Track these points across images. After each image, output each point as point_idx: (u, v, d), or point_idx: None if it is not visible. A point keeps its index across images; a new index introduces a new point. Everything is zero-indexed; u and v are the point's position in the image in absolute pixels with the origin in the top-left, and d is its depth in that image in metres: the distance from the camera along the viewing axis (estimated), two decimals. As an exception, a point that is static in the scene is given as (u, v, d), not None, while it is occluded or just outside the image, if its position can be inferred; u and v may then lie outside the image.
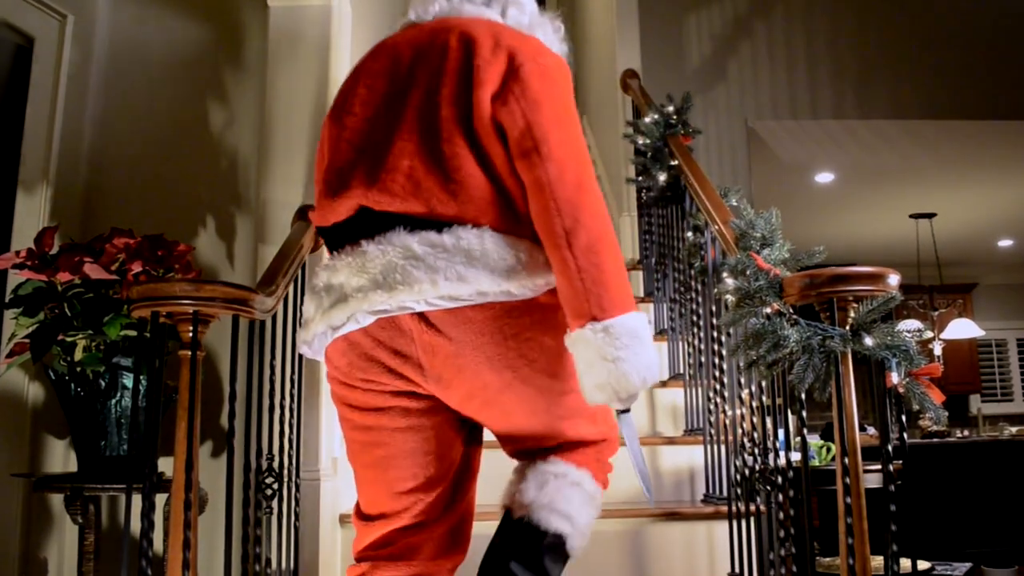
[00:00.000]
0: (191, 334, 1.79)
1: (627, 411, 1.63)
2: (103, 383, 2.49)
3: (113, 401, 2.51)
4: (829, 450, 4.08)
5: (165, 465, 2.55)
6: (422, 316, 1.56)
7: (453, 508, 1.73)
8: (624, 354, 1.52)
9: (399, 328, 1.58)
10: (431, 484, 1.68)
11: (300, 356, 2.42)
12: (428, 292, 1.54)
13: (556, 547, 1.64)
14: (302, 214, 2.54)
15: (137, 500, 1.76)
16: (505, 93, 1.59)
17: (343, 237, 1.65)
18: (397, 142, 1.61)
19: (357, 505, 1.75)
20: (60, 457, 2.90)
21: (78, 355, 2.47)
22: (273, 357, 2.21)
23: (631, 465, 1.67)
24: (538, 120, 1.56)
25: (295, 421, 2.37)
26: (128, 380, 2.50)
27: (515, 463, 1.78)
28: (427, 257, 1.53)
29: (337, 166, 1.67)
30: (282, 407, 2.30)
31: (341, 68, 2.86)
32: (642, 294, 3.98)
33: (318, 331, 1.67)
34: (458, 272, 1.53)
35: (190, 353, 1.78)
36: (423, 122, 1.61)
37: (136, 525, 2.51)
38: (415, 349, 1.59)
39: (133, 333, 2.45)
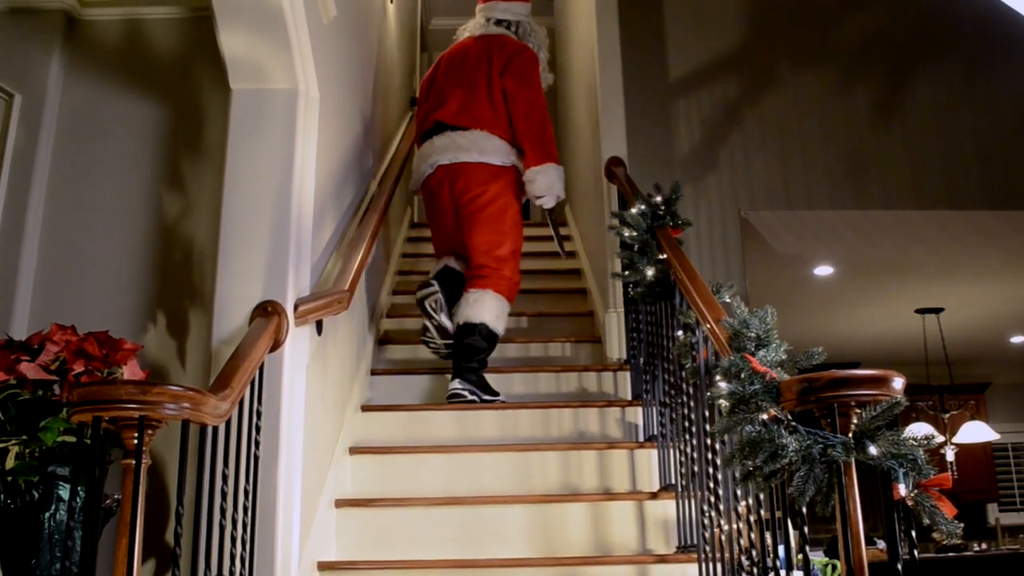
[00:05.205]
0: (136, 441, 1.76)
1: (552, 210, 4.27)
2: (36, 494, 2.44)
3: (47, 515, 2.45)
4: (835, 568, 4.02)
5: (102, 587, 2.48)
6: (451, 166, 4.11)
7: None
8: (542, 177, 4.09)
9: (438, 174, 4.14)
10: (456, 245, 4.25)
11: (256, 466, 2.39)
12: (451, 156, 4.10)
13: (483, 330, 3.96)
14: (262, 310, 2.54)
15: (69, 629, 1.71)
16: (505, 72, 4.17)
17: (427, 136, 4.25)
18: (456, 90, 4.22)
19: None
20: (-16, 578, 2.81)
21: (10, 463, 2.43)
22: (226, 466, 2.18)
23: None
24: (515, 85, 4.17)
25: (248, 537, 2.32)
26: (65, 492, 2.45)
27: None
28: (458, 141, 4.11)
29: (429, 100, 4.34)
30: (234, 522, 2.25)
31: (308, 155, 2.88)
32: (629, 397, 3.97)
33: (419, 180, 4.28)
34: (466, 147, 4.09)
35: (135, 462, 1.76)
36: (468, 83, 4.20)
37: (67, 656, 2.42)
38: (449, 182, 4.12)
39: (72, 439, 2.41)
